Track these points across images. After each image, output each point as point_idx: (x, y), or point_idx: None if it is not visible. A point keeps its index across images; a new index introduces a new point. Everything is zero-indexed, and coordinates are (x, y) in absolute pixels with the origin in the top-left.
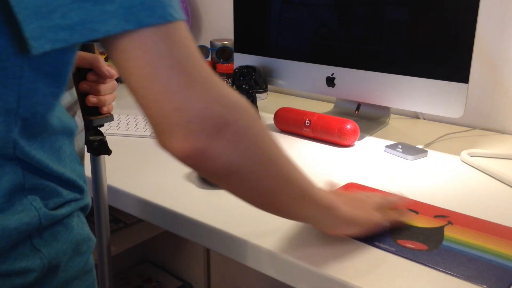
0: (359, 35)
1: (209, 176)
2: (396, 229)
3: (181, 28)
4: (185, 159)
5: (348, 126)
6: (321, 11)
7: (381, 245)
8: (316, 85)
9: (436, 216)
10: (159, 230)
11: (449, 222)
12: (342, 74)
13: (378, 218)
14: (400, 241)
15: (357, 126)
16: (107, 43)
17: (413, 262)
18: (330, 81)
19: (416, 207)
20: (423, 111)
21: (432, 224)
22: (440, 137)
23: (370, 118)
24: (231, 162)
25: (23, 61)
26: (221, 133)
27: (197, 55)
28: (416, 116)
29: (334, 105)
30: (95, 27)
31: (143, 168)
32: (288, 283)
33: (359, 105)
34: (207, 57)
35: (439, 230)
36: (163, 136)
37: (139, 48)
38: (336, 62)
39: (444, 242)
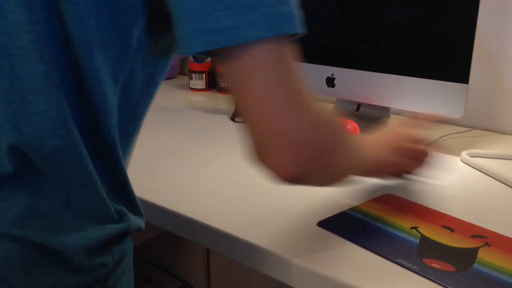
0: (359, 35)
1: (285, 181)
2: (424, 247)
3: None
4: (287, 179)
5: (348, 127)
6: (321, 11)
7: (405, 262)
8: (316, 85)
9: (472, 236)
10: (159, 230)
11: (486, 244)
12: (342, 74)
13: (396, 167)
14: (426, 260)
15: (357, 126)
16: (236, 52)
17: (435, 284)
18: (330, 82)
19: (452, 224)
20: (423, 111)
21: (467, 245)
22: (440, 137)
23: (370, 119)
24: (321, 181)
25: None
26: (321, 157)
27: (301, 76)
28: (416, 116)
29: (334, 106)
30: (241, 32)
31: (142, 168)
32: (289, 283)
33: (359, 106)
34: (207, 57)
35: (473, 251)
36: (265, 155)
37: (270, 56)
38: (336, 62)
39: (475, 265)
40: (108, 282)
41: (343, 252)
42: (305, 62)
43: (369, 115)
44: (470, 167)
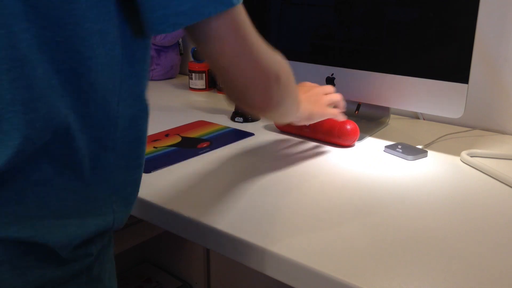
0: (359, 35)
1: (257, 112)
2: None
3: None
4: (262, 111)
5: (348, 127)
6: (321, 11)
7: None
8: None
9: None
10: (159, 230)
11: None
12: (342, 74)
13: (327, 113)
14: None
15: (357, 126)
16: (201, 28)
17: None
18: (330, 81)
19: None
20: (423, 111)
21: None
22: (440, 137)
23: (370, 119)
24: (277, 104)
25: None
26: (282, 90)
27: (255, 31)
28: (416, 116)
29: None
30: (201, 11)
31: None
32: (288, 283)
33: (359, 105)
34: None
35: None
36: (244, 97)
37: (230, 27)
38: (336, 62)
39: None
40: (93, 271)
41: (345, 252)
42: (305, 62)
43: (369, 115)
44: (470, 167)
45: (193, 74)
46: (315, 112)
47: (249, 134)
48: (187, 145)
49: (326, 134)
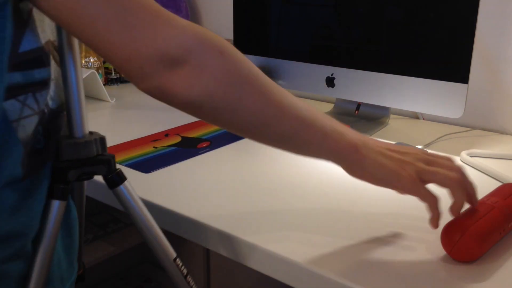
0: (359, 35)
1: (181, 109)
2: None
3: None
4: (152, 96)
5: None
6: (321, 11)
7: None
8: (316, 85)
9: None
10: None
11: None
12: (342, 74)
13: (409, 181)
14: None
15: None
16: None
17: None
18: (330, 81)
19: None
20: (423, 111)
21: None
22: (440, 137)
23: (370, 118)
24: (193, 96)
25: None
26: (174, 70)
27: None
28: (416, 116)
29: (334, 106)
30: None
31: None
32: (288, 283)
33: (359, 105)
34: None
35: None
36: (131, 80)
37: None
38: (336, 62)
39: None
40: None
41: (345, 252)
42: (305, 62)
43: (369, 115)
44: (470, 167)
45: None
46: (388, 165)
47: None
48: (187, 145)
49: None
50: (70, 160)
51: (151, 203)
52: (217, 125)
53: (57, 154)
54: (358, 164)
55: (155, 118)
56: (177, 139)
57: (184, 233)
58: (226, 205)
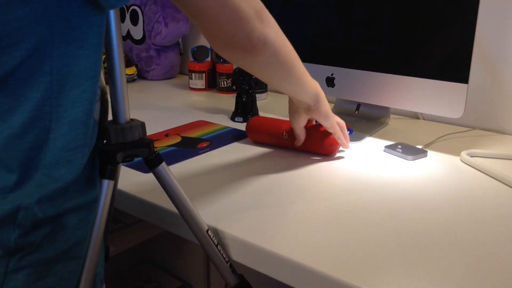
0: (359, 35)
1: (261, 53)
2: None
3: None
4: (246, 48)
5: (327, 137)
6: (321, 11)
7: None
8: None
9: None
10: (159, 230)
11: None
12: (342, 74)
13: (333, 118)
14: None
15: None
16: None
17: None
18: (330, 81)
19: None
20: (423, 111)
21: None
22: (440, 137)
23: (370, 118)
24: (270, 37)
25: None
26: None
27: None
28: (416, 116)
29: (334, 105)
30: None
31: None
32: (288, 283)
33: (359, 105)
34: (207, 57)
35: None
36: (227, 34)
37: None
38: (336, 62)
39: None
40: None
41: (345, 251)
42: (305, 62)
43: (369, 115)
44: (470, 167)
45: (193, 74)
46: (326, 104)
47: None
48: (187, 145)
49: (305, 143)
50: (117, 144)
51: (151, 203)
52: (260, 67)
53: (104, 138)
54: (323, 103)
55: (155, 118)
56: (177, 139)
57: (184, 233)
58: (226, 205)
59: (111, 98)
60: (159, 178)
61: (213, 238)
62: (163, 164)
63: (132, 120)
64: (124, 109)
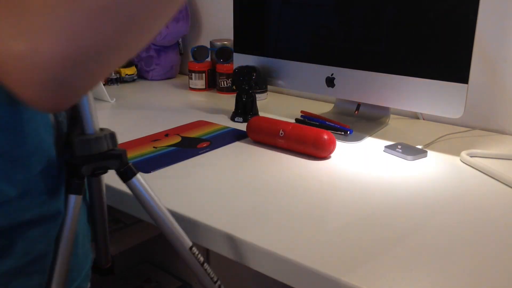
0: (359, 35)
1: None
2: None
3: None
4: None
5: (325, 137)
6: (321, 11)
7: None
8: (315, 85)
9: None
10: (159, 230)
11: None
12: (342, 74)
13: None
14: None
15: (334, 137)
16: None
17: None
18: (330, 81)
19: None
20: (422, 112)
21: None
22: (440, 137)
23: (370, 118)
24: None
25: None
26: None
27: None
28: (415, 116)
29: (334, 106)
30: None
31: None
32: (288, 283)
33: (359, 105)
34: (207, 57)
35: None
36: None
37: None
38: (336, 62)
39: None
40: None
41: (344, 251)
42: (305, 62)
43: (369, 115)
44: (470, 167)
45: (193, 74)
46: None
47: None
48: (187, 145)
49: (301, 144)
50: (83, 156)
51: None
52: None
53: (70, 150)
54: None
55: (155, 118)
56: (177, 139)
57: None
58: (226, 205)
59: (77, 107)
60: (134, 191)
61: (199, 256)
62: (138, 176)
63: (101, 130)
64: (90, 118)
